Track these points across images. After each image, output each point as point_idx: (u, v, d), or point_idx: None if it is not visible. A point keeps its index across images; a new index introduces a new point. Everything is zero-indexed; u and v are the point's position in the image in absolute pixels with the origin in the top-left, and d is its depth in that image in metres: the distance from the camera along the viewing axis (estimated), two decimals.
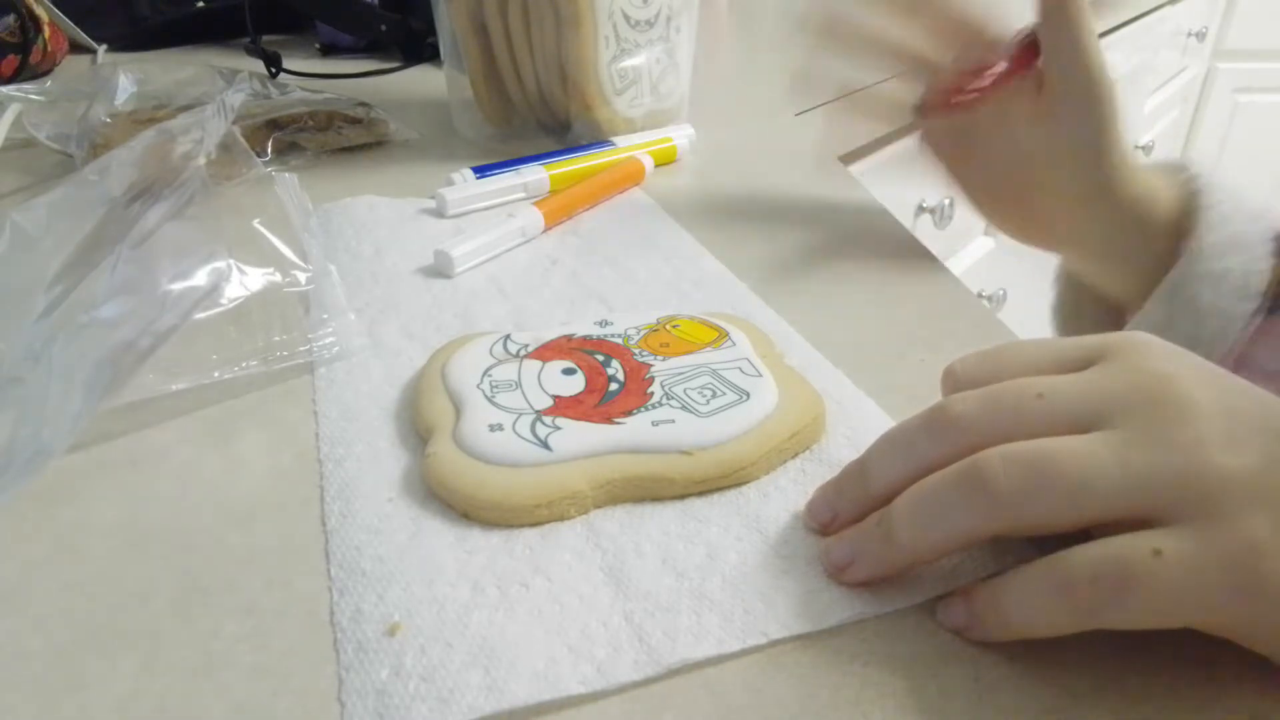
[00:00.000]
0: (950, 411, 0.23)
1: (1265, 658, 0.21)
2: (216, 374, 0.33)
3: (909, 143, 0.44)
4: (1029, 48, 0.36)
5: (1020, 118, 0.39)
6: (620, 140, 0.55)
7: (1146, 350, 0.23)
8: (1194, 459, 0.20)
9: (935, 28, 0.37)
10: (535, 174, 0.51)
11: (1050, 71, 0.37)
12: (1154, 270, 0.40)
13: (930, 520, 0.22)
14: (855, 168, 0.68)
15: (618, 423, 0.28)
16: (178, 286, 0.33)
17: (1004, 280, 1.00)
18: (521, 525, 0.26)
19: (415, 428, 0.30)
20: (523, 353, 0.33)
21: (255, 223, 0.37)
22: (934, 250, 0.43)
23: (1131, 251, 0.41)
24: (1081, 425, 0.22)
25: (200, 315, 0.33)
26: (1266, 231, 0.40)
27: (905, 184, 0.80)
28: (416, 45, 0.84)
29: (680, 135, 0.57)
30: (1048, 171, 0.40)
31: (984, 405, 0.23)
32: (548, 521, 0.26)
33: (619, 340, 0.34)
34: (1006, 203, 0.43)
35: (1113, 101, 0.37)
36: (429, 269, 0.43)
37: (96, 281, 0.31)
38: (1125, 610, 0.20)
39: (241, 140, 0.42)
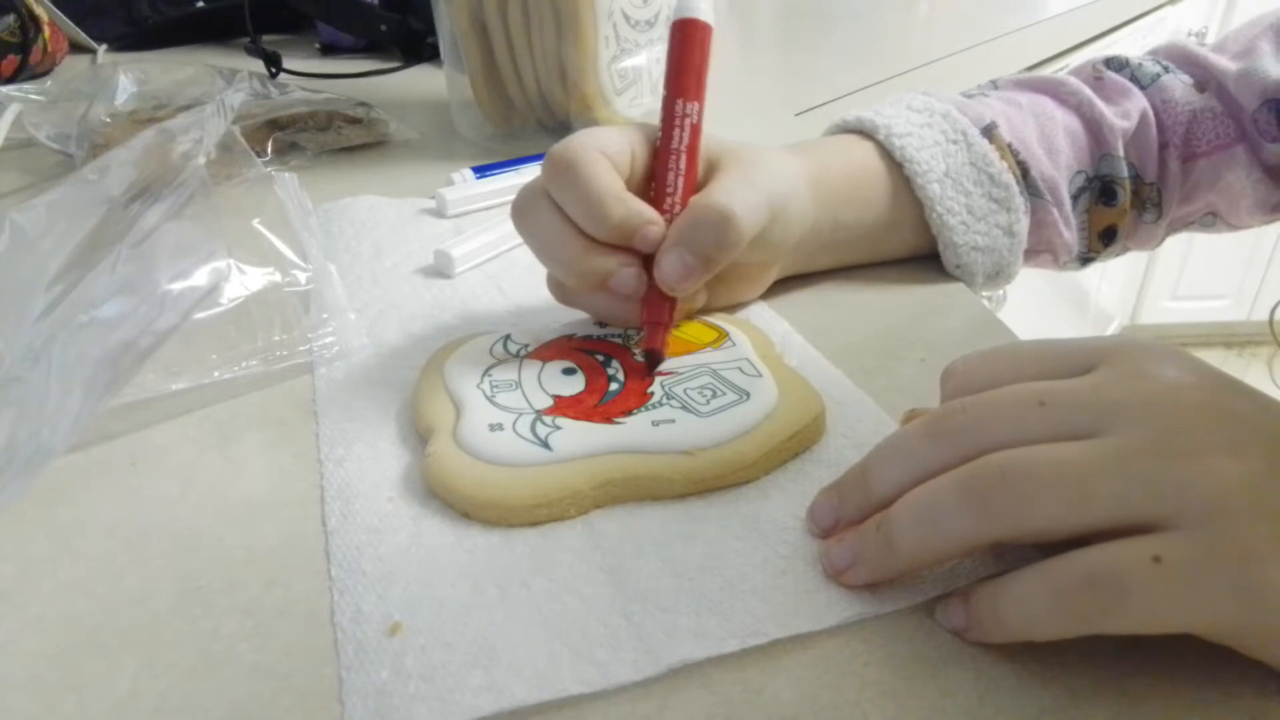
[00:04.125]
0: (952, 418, 0.23)
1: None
2: (216, 374, 0.33)
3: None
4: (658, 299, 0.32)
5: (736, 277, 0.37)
6: None
7: (1148, 356, 0.23)
8: (1195, 466, 0.20)
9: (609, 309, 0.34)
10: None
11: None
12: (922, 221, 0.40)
13: (930, 527, 0.22)
14: None
15: (618, 423, 0.28)
16: (178, 286, 0.33)
17: None
18: (521, 525, 0.26)
19: (415, 428, 0.30)
20: (523, 353, 0.33)
21: (255, 223, 0.37)
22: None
23: (897, 229, 0.41)
24: (1082, 432, 0.22)
25: (200, 315, 0.33)
26: (954, 132, 0.41)
27: None
28: (416, 45, 0.84)
29: None
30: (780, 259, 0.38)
31: (985, 412, 0.23)
32: (548, 521, 0.26)
33: (619, 340, 0.34)
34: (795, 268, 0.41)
35: (767, 218, 0.33)
36: (429, 269, 0.43)
37: (96, 281, 0.31)
38: (1123, 616, 0.20)
39: (241, 140, 0.42)
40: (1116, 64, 0.49)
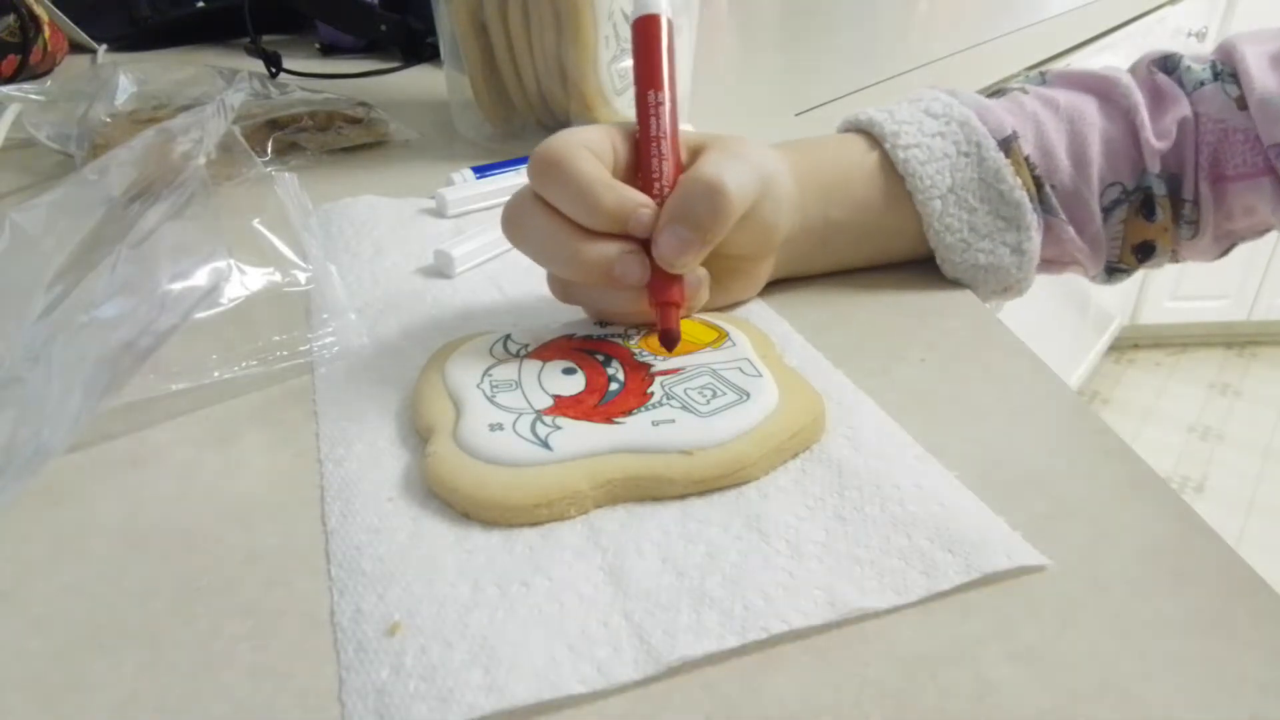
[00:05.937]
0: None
1: (1258, 655, 0.21)
2: (216, 374, 0.33)
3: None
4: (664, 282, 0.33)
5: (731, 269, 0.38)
6: None
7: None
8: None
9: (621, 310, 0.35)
10: None
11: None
12: (916, 223, 0.40)
13: None
14: None
15: (618, 423, 0.28)
16: (178, 286, 0.33)
17: None
18: (521, 525, 0.26)
19: (415, 428, 0.30)
20: (523, 352, 0.33)
21: (255, 223, 0.37)
22: None
23: (901, 235, 0.41)
24: None
25: (200, 315, 0.33)
26: (967, 143, 0.40)
27: None
28: (416, 45, 0.85)
29: None
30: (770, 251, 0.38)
31: None
32: (548, 521, 0.26)
33: (619, 340, 0.34)
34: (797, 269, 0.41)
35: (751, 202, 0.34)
36: (429, 269, 0.43)
37: (96, 281, 0.31)
38: None
39: (241, 140, 0.42)
40: (1169, 64, 0.45)
